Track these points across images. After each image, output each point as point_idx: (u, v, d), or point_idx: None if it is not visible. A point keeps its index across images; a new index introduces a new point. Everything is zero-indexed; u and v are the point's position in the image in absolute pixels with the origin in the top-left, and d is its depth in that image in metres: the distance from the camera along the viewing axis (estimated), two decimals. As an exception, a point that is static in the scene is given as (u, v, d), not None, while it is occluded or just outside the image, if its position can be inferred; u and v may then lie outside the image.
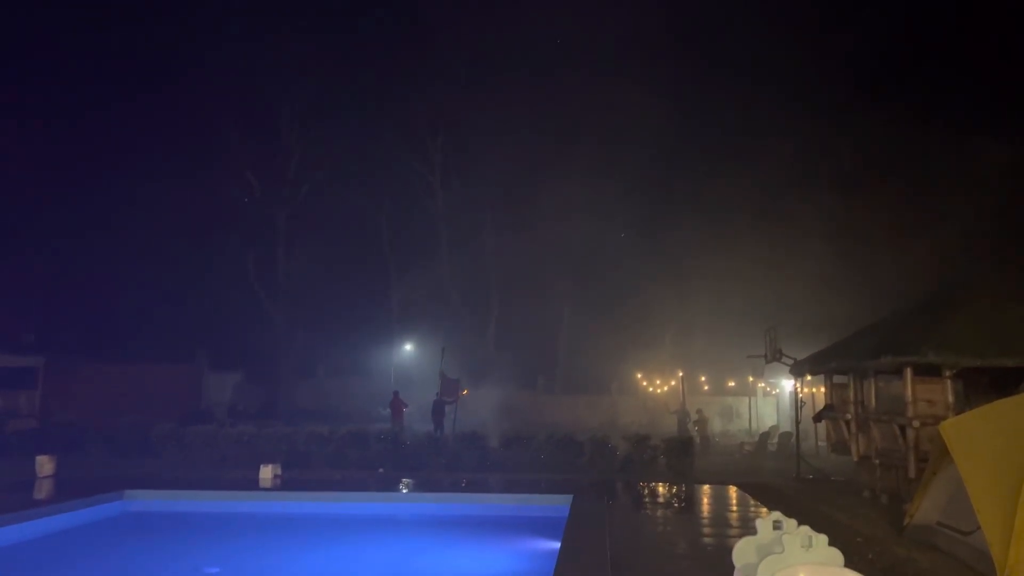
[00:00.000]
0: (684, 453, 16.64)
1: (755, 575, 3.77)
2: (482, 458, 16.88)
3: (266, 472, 13.60)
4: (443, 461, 16.79)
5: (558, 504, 11.53)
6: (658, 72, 31.31)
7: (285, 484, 13.25)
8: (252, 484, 13.11)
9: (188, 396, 28.00)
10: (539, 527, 10.83)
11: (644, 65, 32.19)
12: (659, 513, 11.27)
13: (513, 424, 20.30)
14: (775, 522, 4.22)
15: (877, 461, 13.66)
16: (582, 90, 33.43)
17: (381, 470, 16.25)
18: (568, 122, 33.67)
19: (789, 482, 16.18)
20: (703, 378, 35.45)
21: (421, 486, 13.54)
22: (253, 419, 20.54)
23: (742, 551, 4.25)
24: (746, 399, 33.41)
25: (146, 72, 31.97)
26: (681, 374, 29.20)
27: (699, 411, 25.82)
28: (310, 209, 33.11)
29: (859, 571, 3.80)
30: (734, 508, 11.53)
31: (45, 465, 13.74)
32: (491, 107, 31.87)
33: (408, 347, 34.56)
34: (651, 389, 35.60)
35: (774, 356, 17.42)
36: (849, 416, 14.50)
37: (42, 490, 12.42)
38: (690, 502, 12.46)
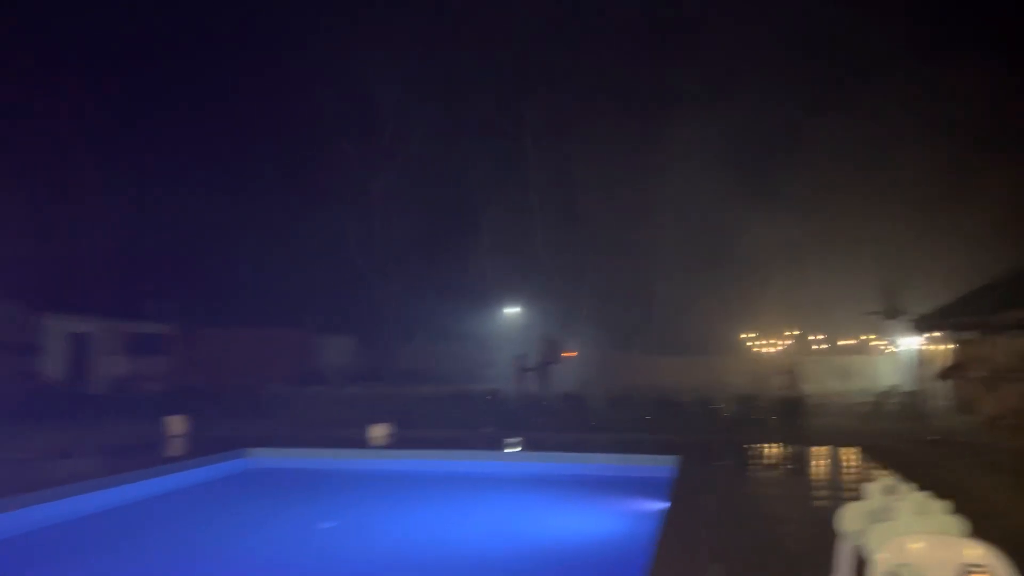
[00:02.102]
0: (795, 413, 16.09)
1: (863, 543, 3.55)
2: (584, 419, 16.87)
3: (375, 431, 14.07)
4: (545, 421, 16.89)
5: (662, 465, 11.39)
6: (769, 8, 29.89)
7: (393, 443, 13.68)
8: (362, 443, 13.61)
9: (302, 360, 29.30)
10: (642, 488, 10.74)
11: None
12: (767, 475, 10.96)
13: (615, 385, 20.17)
14: (886, 486, 3.97)
15: (1009, 422, 12.77)
16: (676, 41, 32.28)
17: (484, 430, 16.50)
18: (663, 72, 32.59)
19: (909, 445, 15.38)
20: (815, 336, 34.10)
21: (524, 445, 13.68)
22: (362, 381, 21.26)
23: (848, 517, 4.03)
24: (863, 358, 31.95)
25: (241, 42, 33.01)
26: (791, 332, 28.16)
27: (791, 368, 24.76)
28: (407, 174, 33.62)
29: (985, 542, 3.52)
30: (848, 471, 11.07)
31: (173, 425, 14.69)
32: (584, 64, 31.25)
33: (508, 310, 34.85)
34: (758, 348, 34.57)
35: (894, 312, 16.48)
36: (978, 374, 13.60)
37: (171, 448, 13.29)
38: (800, 464, 12.05)
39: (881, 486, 3.98)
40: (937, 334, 19.24)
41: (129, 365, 26.52)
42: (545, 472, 12.04)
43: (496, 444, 13.86)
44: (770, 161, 31.75)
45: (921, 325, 15.55)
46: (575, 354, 26.31)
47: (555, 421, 16.84)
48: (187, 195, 30.89)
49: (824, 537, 4.90)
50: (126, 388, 22.09)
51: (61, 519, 8.82)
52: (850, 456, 12.24)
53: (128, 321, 27.85)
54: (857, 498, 4.20)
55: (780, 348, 32.71)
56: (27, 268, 25.69)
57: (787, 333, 28.93)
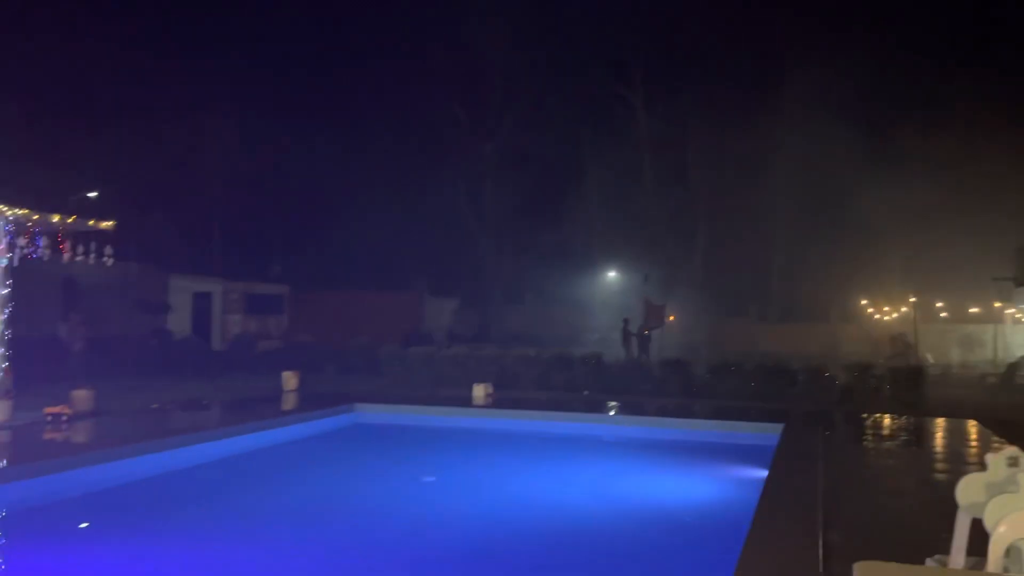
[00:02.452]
0: (913, 384, 15.30)
1: (982, 515, 3.35)
2: (688, 384, 16.62)
3: (479, 391, 14.36)
4: (648, 386, 16.74)
5: (768, 433, 11.10)
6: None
7: (496, 402, 13.91)
8: (466, 401, 13.92)
9: (410, 320, 30.15)
10: (747, 455, 10.51)
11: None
12: (881, 446, 10.50)
13: (722, 352, 19.73)
14: (1010, 458, 3.72)
15: None
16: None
17: (586, 392, 16.53)
18: (780, 23, 31.07)
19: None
20: (939, 304, 32.16)
21: (625, 409, 13.63)
22: (467, 342, 21.67)
23: (967, 488, 3.80)
24: (991, 327, 29.91)
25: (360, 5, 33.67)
26: (914, 299, 26.67)
27: (902, 335, 23.41)
28: (515, 139, 33.60)
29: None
30: (970, 444, 10.46)
31: (289, 380, 15.47)
32: (693, 29, 30.21)
33: (611, 274, 34.53)
34: (878, 316, 32.94)
35: (1026, 278, 15.32)
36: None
37: (288, 402, 14.01)
38: (918, 436, 11.48)
39: (1005, 457, 3.74)
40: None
41: (249, 324, 28.03)
42: (645, 436, 11.97)
43: (597, 407, 13.88)
44: (897, 122, 29.90)
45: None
46: (672, 318, 25.85)
47: (657, 386, 16.67)
48: (305, 161, 32.11)
49: (942, 509, 4.66)
50: (245, 345, 23.37)
51: (189, 464, 9.49)
52: (971, 428, 11.55)
53: (248, 282, 29.38)
54: (978, 470, 3.96)
55: (900, 315, 31.07)
56: (157, 231, 27.46)
57: (910, 299, 27.40)
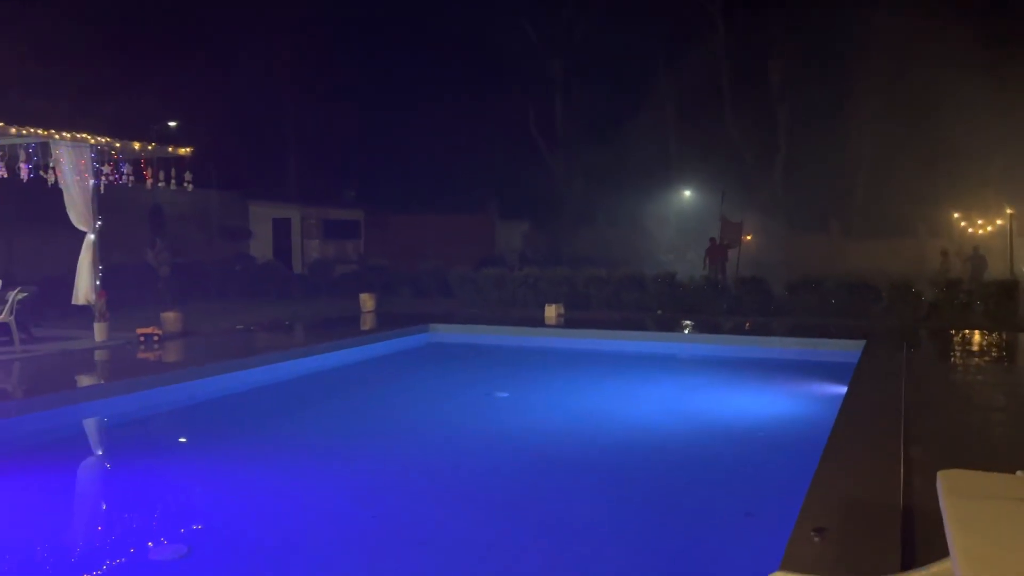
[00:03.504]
0: (1008, 298, 14.55)
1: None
2: (765, 303, 16.24)
3: (550, 311, 14.41)
4: (724, 305, 16.45)
5: (849, 350, 10.83)
6: None
7: (567, 322, 13.95)
8: (538, 322, 14.00)
9: (481, 243, 30.28)
10: (827, 373, 10.29)
11: None
12: (969, 362, 10.09)
13: (802, 269, 19.12)
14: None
15: None
16: None
17: (660, 312, 16.38)
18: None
19: None
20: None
21: (700, 328, 13.46)
22: (538, 264, 21.64)
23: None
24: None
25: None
26: (1010, 212, 25.13)
27: (975, 250, 22.06)
28: (585, 56, 32.60)
29: None
30: (1068, 361, 9.95)
31: (367, 302, 15.86)
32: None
33: (687, 193, 33.67)
34: (971, 230, 31.27)
35: None
36: None
37: (365, 323, 14.39)
38: (1010, 352, 10.98)
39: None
40: None
41: (326, 248, 28.69)
42: (721, 355, 11.84)
43: (671, 326, 13.75)
44: (996, 27, 27.60)
45: None
46: (749, 237, 25.10)
47: (734, 305, 16.35)
48: (376, 83, 32.03)
49: (1033, 423, 4.45)
50: (324, 269, 23.96)
51: (273, 381, 9.90)
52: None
53: (325, 207, 29.95)
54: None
55: (995, 229, 29.42)
56: (239, 159, 28.07)
57: (1007, 211, 25.86)
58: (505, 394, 9.61)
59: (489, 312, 16.31)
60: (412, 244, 27.59)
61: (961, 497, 2.80)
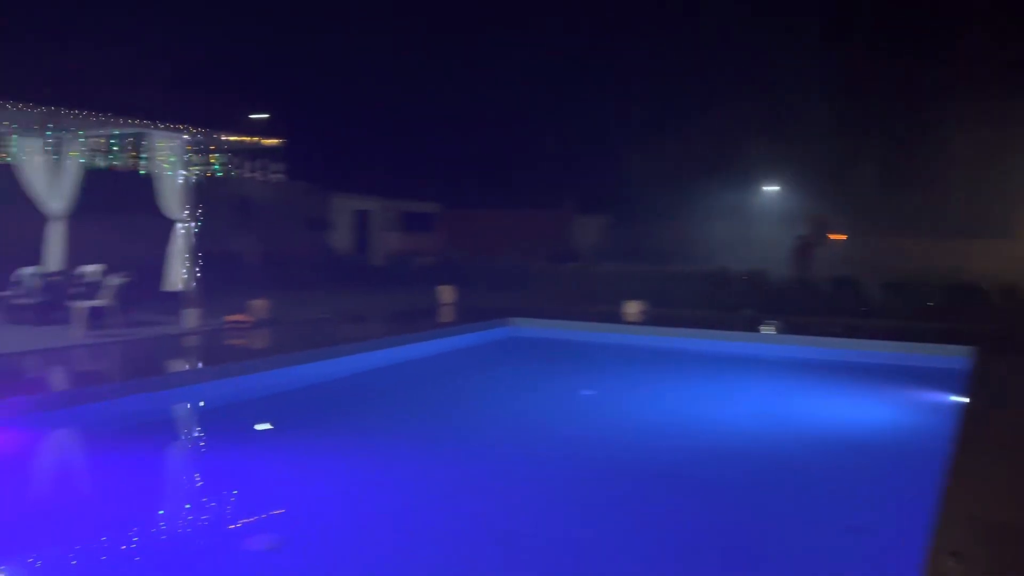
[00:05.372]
0: None
1: None
2: (857, 304, 15.52)
3: (631, 307, 14.10)
4: (814, 305, 15.79)
5: (952, 356, 10.21)
6: None
7: (650, 320, 13.62)
8: (618, 318, 13.72)
9: (560, 237, 30.05)
10: (927, 379, 9.73)
11: None
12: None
13: (893, 270, 18.25)
14: None
15: None
16: None
17: (747, 311, 15.84)
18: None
19: None
20: None
21: (789, 328, 12.95)
22: (618, 259, 21.31)
23: None
24: None
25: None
26: None
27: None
28: (665, 46, 31.96)
29: None
30: None
31: (444, 294, 15.85)
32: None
33: (773, 189, 32.65)
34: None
35: None
36: None
37: (444, 315, 14.37)
38: None
39: None
40: None
41: (404, 240, 28.97)
42: (813, 356, 11.33)
43: (759, 326, 13.26)
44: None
45: None
46: (844, 237, 24.15)
47: (825, 305, 15.68)
48: (457, 81, 32.16)
49: None
50: (402, 261, 24.20)
51: (355, 371, 9.95)
52: None
53: (404, 200, 30.25)
54: None
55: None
56: (323, 151, 28.60)
57: None
58: (588, 391, 9.40)
59: (568, 308, 16.10)
60: (489, 237, 27.61)
61: None
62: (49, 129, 11.33)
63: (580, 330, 13.14)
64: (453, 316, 14.17)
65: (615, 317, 13.77)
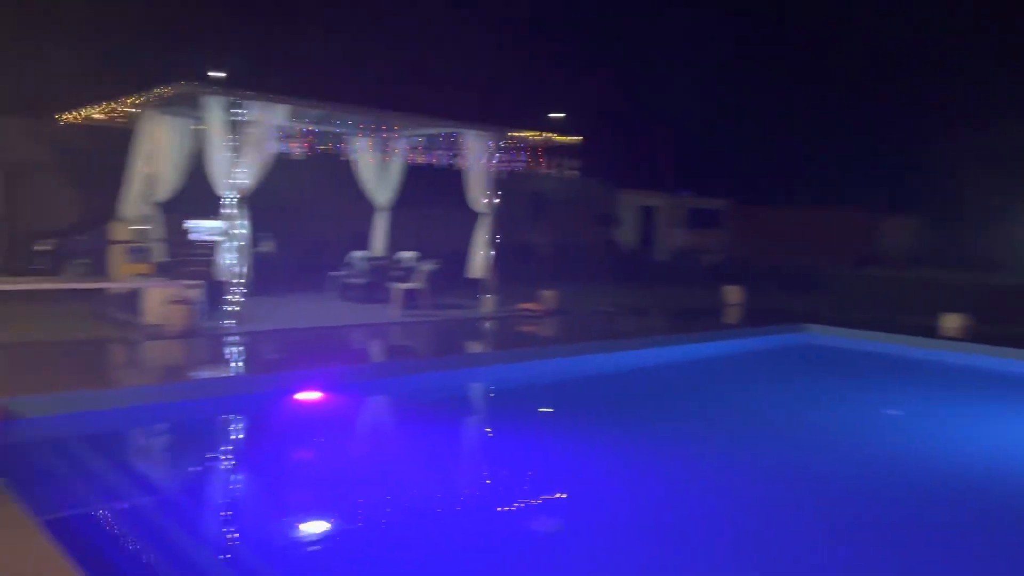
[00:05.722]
0: None
1: None
2: None
3: (951, 321, 12.47)
4: None
5: None
6: None
7: (974, 337, 11.93)
8: (933, 332, 12.21)
9: (862, 239, 27.53)
10: None
11: None
12: None
13: None
14: None
15: None
16: None
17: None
18: None
19: None
20: None
21: None
22: (933, 265, 18.94)
23: None
24: None
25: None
26: None
27: None
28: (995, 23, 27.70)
29: None
30: None
31: (732, 295, 15.28)
32: None
33: None
34: None
35: None
36: None
37: (730, 316, 13.87)
38: None
39: None
40: None
41: (689, 237, 28.47)
42: None
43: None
44: None
45: None
46: None
47: None
48: (745, 73, 30.91)
49: None
50: (687, 258, 23.79)
51: (640, 365, 9.98)
52: None
53: (690, 196, 29.76)
54: None
55: None
56: (614, 148, 29.12)
57: None
58: (896, 411, 8.48)
59: (871, 316, 14.67)
60: (781, 237, 26.14)
61: None
62: (382, 129, 12.79)
63: (890, 343, 11.85)
64: (741, 317, 13.62)
65: (928, 330, 12.26)
